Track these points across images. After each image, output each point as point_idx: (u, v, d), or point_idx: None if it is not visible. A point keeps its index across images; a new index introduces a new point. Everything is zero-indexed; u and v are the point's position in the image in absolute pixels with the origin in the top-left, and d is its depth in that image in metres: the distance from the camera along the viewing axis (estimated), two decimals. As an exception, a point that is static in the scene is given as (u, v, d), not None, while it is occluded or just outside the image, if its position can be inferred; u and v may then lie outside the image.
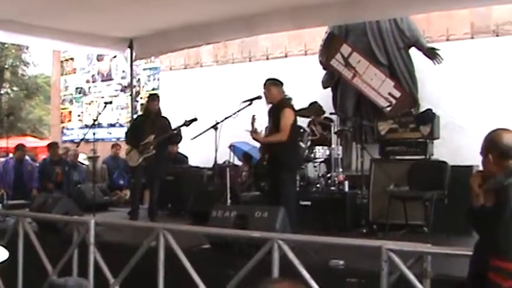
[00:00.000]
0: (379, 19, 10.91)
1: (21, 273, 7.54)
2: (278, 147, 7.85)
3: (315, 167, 9.85)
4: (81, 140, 11.38)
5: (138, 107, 15.35)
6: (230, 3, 9.16)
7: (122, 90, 17.32)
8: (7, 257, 3.66)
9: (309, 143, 9.52)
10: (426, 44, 11.26)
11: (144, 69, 16.66)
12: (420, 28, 11.37)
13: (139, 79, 16.48)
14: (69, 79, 18.75)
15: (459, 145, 10.04)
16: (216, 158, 8.68)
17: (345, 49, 11.44)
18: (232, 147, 11.88)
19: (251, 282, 2.88)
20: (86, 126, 16.85)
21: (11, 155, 13.66)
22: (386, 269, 4.80)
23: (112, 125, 17.38)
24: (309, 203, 9.05)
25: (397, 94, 11.06)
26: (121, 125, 17.07)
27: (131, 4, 9.06)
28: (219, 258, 6.63)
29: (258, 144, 8.93)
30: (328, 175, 9.77)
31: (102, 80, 17.88)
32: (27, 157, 13.85)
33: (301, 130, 9.37)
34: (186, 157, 12.74)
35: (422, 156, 8.75)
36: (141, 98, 16.23)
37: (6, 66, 33.10)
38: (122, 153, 12.92)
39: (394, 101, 10.96)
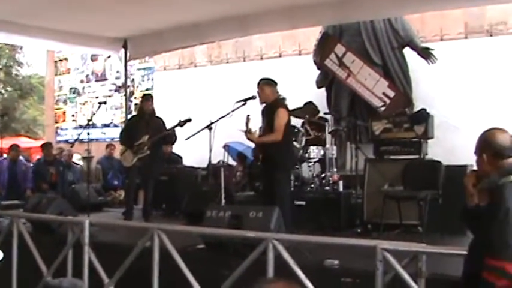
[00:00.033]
0: (373, 19, 10.92)
1: (15, 274, 7.52)
2: (272, 147, 7.85)
3: (309, 167, 9.86)
4: (75, 140, 11.36)
5: (132, 107, 15.30)
6: (224, 3, 9.16)
7: (116, 91, 17.30)
8: (1, 258, 3.66)
9: (303, 143, 9.52)
10: (420, 43, 11.28)
11: (138, 69, 16.65)
12: (414, 28, 11.38)
13: (133, 79, 16.46)
14: (63, 79, 18.72)
15: (453, 145, 10.05)
16: (210, 158, 8.69)
17: (339, 49, 11.45)
18: (227, 147, 11.89)
19: (246, 282, 2.88)
20: (80, 126, 16.81)
21: (5, 155, 13.60)
22: (381, 269, 4.80)
23: (106, 125, 17.36)
24: (303, 202, 9.06)
25: (391, 94, 11.08)
26: (115, 125, 17.05)
27: (125, 4, 9.05)
28: (213, 258, 6.63)
29: (252, 144, 8.93)
30: (323, 175, 9.76)
31: (96, 80, 17.85)
32: (21, 157, 13.84)
33: (296, 130, 9.37)
34: (181, 157, 12.73)
35: (417, 156, 8.77)
36: (135, 98, 16.19)
37: (0, 67, 33.01)
38: (116, 154, 12.92)
39: (388, 101, 10.97)
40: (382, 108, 10.82)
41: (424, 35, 11.68)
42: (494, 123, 4.29)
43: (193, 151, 10.35)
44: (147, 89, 16.33)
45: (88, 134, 10.49)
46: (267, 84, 8.06)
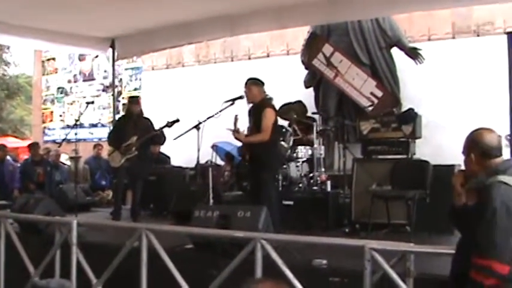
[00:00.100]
0: (361, 19, 10.94)
1: (2, 275, 7.50)
2: (259, 147, 7.85)
3: (297, 166, 9.84)
4: (63, 140, 11.27)
5: (120, 107, 15.29)
6: (212, 3, 9.15)
7: (103, 90, 17.25)
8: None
9: (291, 142, 9.52)
10: (408, 43, 11.32)
11: (126, 69, 16.61)
12: (402, 28, 11.41)
13: (121, 79, 16.43)
14: (50, 79, 18.65)
15: (441, 144, 10.07)
16: (198, 158, 8.70)
17: (327, 49, 11.46)
18: (215, 147, 11.87)
19: (234, 282, 2.88)
20: (68, 126, 16.74)
21: (-9, 155, 13.56)
22: (370, 268, 4.81)
23: (94, 125, 17.29)
24: (291, 202, 9.04)
25: (379, 94, 11.10)
26: (103, 125, 17.01)
27: (113, 4, 9.03)
28: (201, 258, 6.61)
29: (240, 144, 8.93)
30: (311, 175, 9.76)
31: (84, 80, 17.80)
32: (8, 157, 13.80)
33: (284, 130, 9.37)
34: (169, 157, 12.71)
35: (405, 156, 8.79)
36: (123, 98, 16.15)
37: (-13, 67, 32.88)
38: (104, 154, 12.88)
39: (376, 101, 11.00)
40: (370, 108, 10.85)
41: (412, 35, 11.71)
42: (481, 123, 4.31)
43: (181, 151, 10.35)
44: (135, 89, 16.33)
45: (76, 134, 10.44)
46: (254, 84, 8.06)
